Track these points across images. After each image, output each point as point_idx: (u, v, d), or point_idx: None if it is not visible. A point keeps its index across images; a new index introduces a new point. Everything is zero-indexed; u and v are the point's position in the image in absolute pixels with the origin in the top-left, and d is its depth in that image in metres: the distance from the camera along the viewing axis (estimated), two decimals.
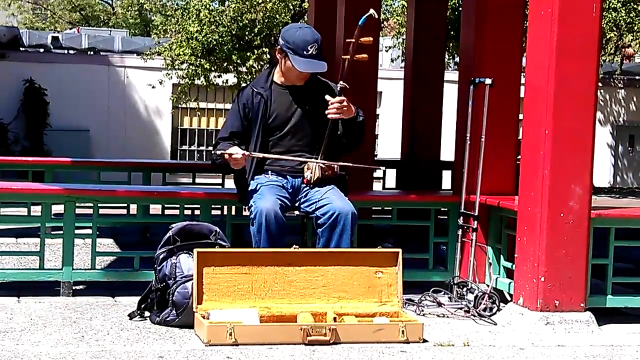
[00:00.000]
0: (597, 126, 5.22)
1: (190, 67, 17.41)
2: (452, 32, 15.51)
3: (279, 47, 5.16)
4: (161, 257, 4.97)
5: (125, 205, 7.40)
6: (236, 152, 5.06)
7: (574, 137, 5.06)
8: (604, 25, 17.09)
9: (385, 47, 19.53)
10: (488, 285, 5.53)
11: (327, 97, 5.10)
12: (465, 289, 5.50)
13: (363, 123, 5.25)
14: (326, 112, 5.08)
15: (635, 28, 18.75)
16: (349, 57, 5.17)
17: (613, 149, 22.34)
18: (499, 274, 5.83)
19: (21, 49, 19.32)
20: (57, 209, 5.94)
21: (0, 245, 7.22)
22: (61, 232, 5.67)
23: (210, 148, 19.64)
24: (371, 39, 5.15)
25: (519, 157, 5.42)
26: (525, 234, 5.20)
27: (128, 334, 4.63)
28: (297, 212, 5.26)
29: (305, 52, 5.05)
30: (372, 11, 5.18)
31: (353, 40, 5.16)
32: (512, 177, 6.01)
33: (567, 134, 5.05)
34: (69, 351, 4.24)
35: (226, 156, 5.06)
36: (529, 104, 5.21)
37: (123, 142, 18.70)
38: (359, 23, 5.15)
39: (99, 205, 5.80)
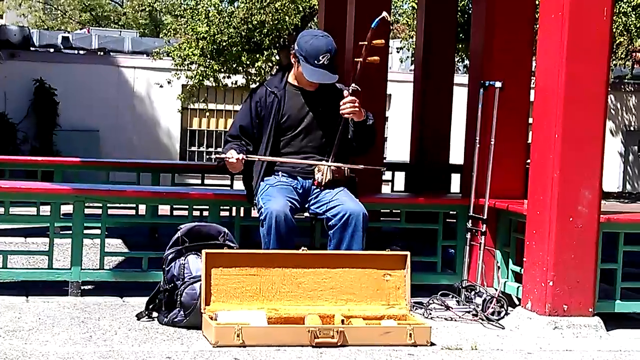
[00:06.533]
0: (606, 131, 5.20)
1: (200, 67, 17.42)
2: (461, 35, 15.47)
3: (293, 51, 5.17)
4: (170, 257, 4.97)
5: (134, 205, 7.41)
6: (231, 156, 5.06)
7: (583, 141, 5.05)
8: (615, 30, 17.03)
9: (396, 48, 19.50)
10: (496, 289, 5.51)
11: (345, 92, 5.12)
12: (473, 292, 5.49)
13: (373, 126, 5.26)
14: (340, 108, 5.08)
15: None
16: (361, 59, 5.17)
17: (623, 154, 22.28)
18: (507, 278, 5.82)
19: (31, 48, 19.34)
20: (66, 208, 5.95)
21: (9, 245, 7.23)
22: (70, 232, 5.68)
23: (220, 149, 19.77)
24: (383, 41, 5.16)
25: (529, 160, 5.41)
26: (534, 237, 5.19)
27: (136, 334, 4.63)
28: (306, 214, 5.26)
29: (316, 62, 5.05)
30: (384, 14, 5.17)
31: (365, 42, 5.16)
32: (521, 180, 6.01)
33: (577, 138, 5.04)
34: (76, 351, 4.24)
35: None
36: (539, 108, 5.20)
37: (132, 142, 18.72)
38: (372, 25, 5.14)
39: (108, 205, 5.81)
